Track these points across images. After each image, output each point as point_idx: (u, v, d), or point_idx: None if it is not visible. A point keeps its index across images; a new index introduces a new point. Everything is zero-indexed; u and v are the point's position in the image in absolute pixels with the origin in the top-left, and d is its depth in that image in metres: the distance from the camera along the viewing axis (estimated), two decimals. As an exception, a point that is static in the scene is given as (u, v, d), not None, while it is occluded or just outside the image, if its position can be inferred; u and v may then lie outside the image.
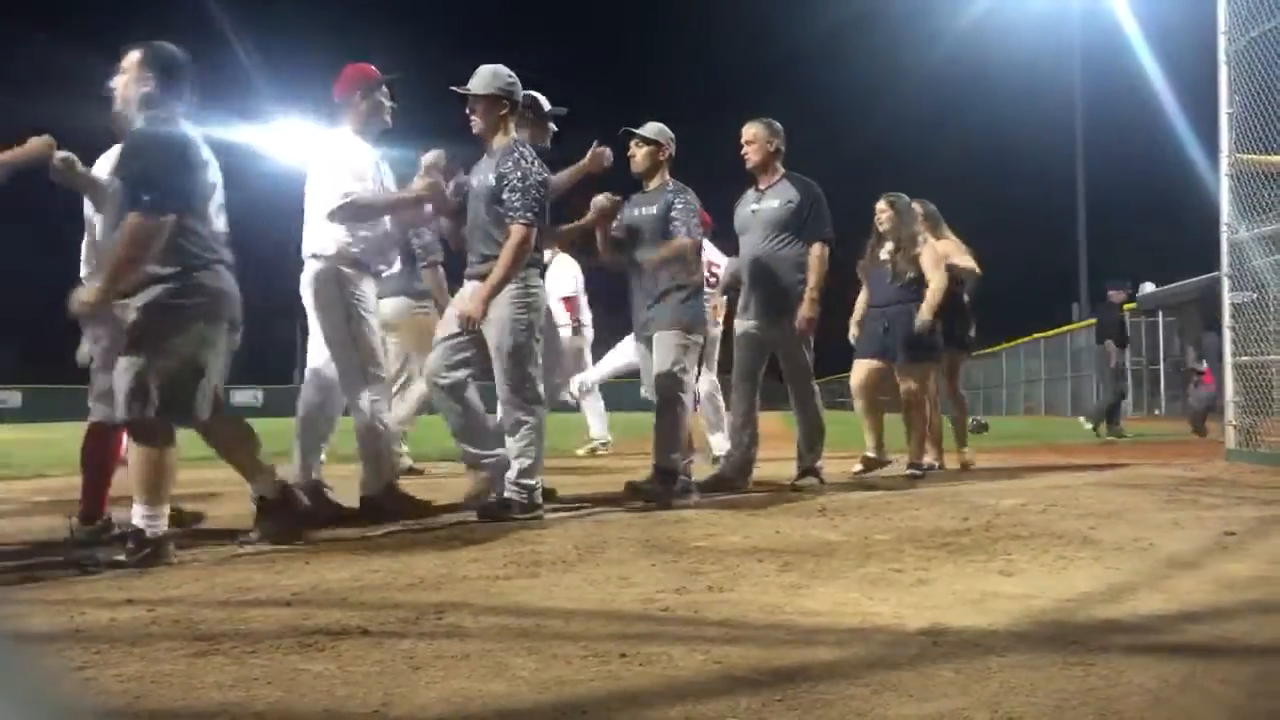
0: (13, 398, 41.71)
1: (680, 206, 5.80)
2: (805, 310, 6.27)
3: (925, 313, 7.02)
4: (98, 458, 4.71)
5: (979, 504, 5.22)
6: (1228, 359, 7.61)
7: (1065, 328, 31.00)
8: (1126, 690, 2.09)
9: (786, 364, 6.52)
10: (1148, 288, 26.11)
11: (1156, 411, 24.63)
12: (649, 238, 5.88)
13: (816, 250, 6.30)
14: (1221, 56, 7.49)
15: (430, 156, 5.94)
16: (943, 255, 7.40)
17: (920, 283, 7.14)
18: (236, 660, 2.43)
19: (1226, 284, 7.58)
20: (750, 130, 6.51)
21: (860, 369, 7.34)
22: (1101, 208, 35.38)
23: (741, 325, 6.58)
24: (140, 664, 2.41)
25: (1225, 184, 7.46)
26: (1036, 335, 32.27)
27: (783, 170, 6.53)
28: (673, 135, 6.03)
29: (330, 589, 3.33)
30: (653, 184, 5.99)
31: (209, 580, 3.52)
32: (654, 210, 5.89)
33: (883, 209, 7.32)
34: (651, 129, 5.95)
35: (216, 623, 2.84)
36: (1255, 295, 7.39)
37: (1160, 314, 25.31)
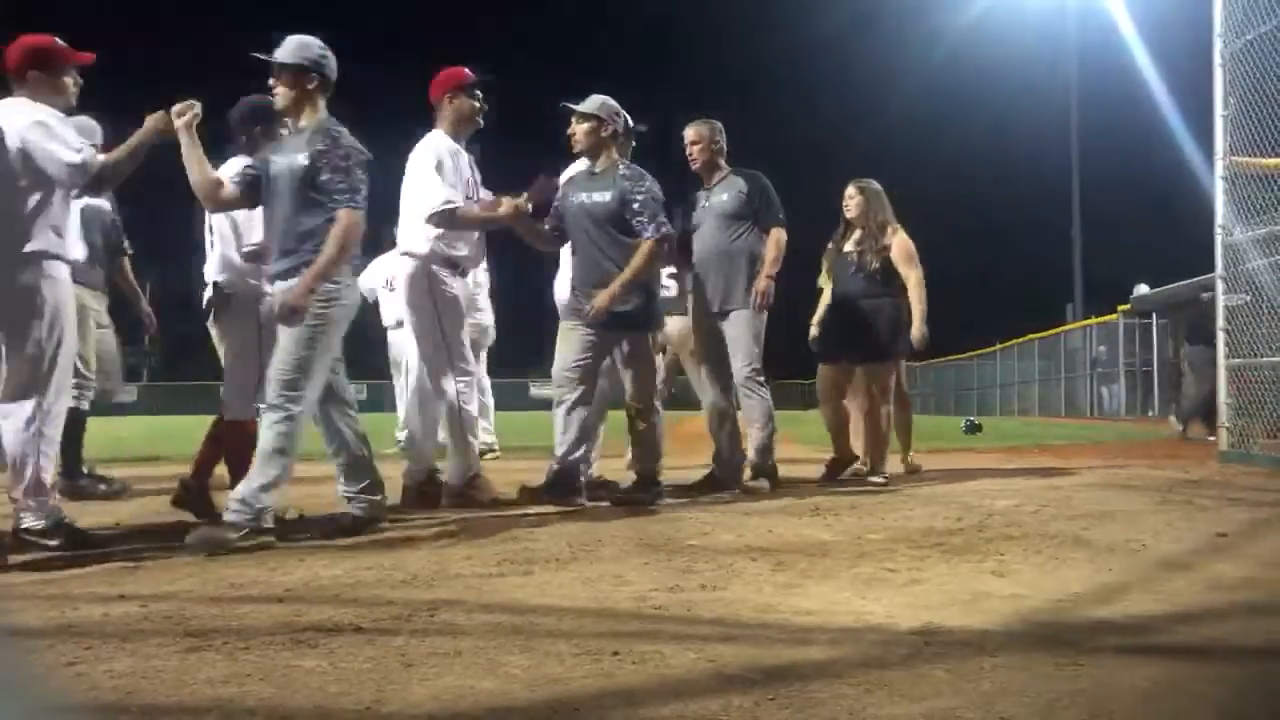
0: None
1: (641, 198, 5.49)
2: (759, 283, 6.16)
3: (918, 324, 6.67)
4: (239, 452, 4.87)
5: (972, 504, 5.22)
6: (1221, 361, 7.62)
7: (1059, 328, 31.05)
8: (1118, 690, 2.10)
9: (733, 354, 6.21)
10: (1142, 289, 26.17)
11: (1150, 413, 24.64)
12: (599, 227, 5.55)
13: (775, 233, 6.24)
14: (1217, 59, 7.51)
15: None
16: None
17: (888, 275, 6.75)
18: (229, 656, 2.42)
19: (1221, 286, 7.60)
20: (694, 131, 6.45)
21: (825, 372, 6.98)
22: (1097, 209, 35.49)
23: (702, 320, 6.43)
24: (132, 660, 2.40)
25: (1220, 186, 7.49)
26: (1031, 336, 32.31)
27: (727, 166, 6.47)
28: (618, 109, 5.67)
29: (323, 585, 3.32)
30: (600, 165, 5.63)
31: (201, 576, 3.52)
32: (606, 198, 5.54)
33: (851, 194, 6.97)
34: (592, 103, 5.58)
35: (209, 619, 2.83)
36: (1250, 298, 7.40)
37: (1154, 316, 25.31)
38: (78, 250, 4.60)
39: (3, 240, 4.17)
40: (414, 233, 5.50)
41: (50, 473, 4.22)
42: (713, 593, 3.12)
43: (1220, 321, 7.61)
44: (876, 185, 7.02)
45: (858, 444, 6.98)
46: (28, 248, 4.18)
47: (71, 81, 4.49)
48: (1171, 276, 23.21)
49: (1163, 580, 3.26)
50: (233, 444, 5.06)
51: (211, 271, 5.15)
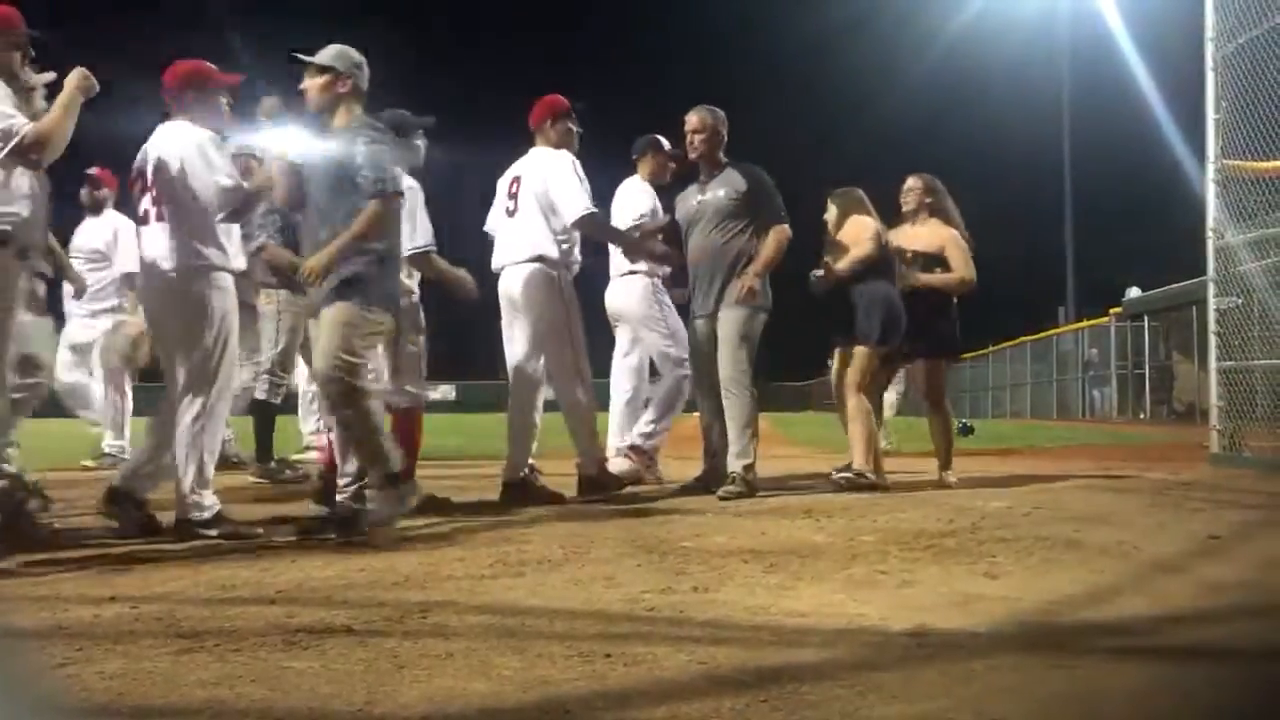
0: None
1: (368, 153, 4.54)
2: (746, 278, 5.94)
3: (837, 270, 6.23)
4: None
5: (964, 506, 5.23)
6: (1212, 364, 7.64)
7: (1051, 331, 31.10)
8: (1110, 692, 2.10)
9: (720, 353, 6.02)
10: (1133, 292, 26.24)
11: (1141, 415, 24.71)
12: (324, 189, 4.64)
13: (776, 231, 6.03)
14: (1209, 62, 7.53)
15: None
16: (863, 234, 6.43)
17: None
18: (220, 658, 2.42)
19: (1212, 289, 7.62)
20: (696, 118, 6.21)
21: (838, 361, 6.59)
22: (1088, 212, 35.49)
23: (696, 321, 6.28)
24: (123, 661, 2.39)
25: (1212, 189, 7.51)
26: (1023, 338, 32.37)
27: (726, 159, 6.26)
28: (360, 61, 4.76)
29: (315, 587, 3.32)
30: (337, 121, 4.68)
31: (193, 577, 3.51)
32: (336, 156, 4.62)
33: (829, 207, 6.60)
34: (327, 53, 4.69)
35: (200, 620, 2.83)
36: (1241, 300, 7.42)
37: (1145, 318, 25.39)
38: (240, 261, 4.84)
39: (174, 254, 4.56)
40: (542, 239, 5.85)
41: (212, 467, 4.60)
42: (705, 594, 3.12)
43: (1212, 325, 7.63)
44: (858, 193, 6.63)
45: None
46: (196, 261, 4.57)
47: (224, 101, 4.86)
48: (1163, 280, 23.32)
49: (1154, 582, 3.26)
50: (410, 431, 5.49)
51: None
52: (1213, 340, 7.65)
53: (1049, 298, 35.08)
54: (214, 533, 4.45)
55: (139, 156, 4.72)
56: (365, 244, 4.48)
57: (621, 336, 7.06)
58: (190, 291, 4.57)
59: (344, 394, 4.45)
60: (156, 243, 4.61)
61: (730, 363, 6.02)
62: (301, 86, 4.73)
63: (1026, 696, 2.07)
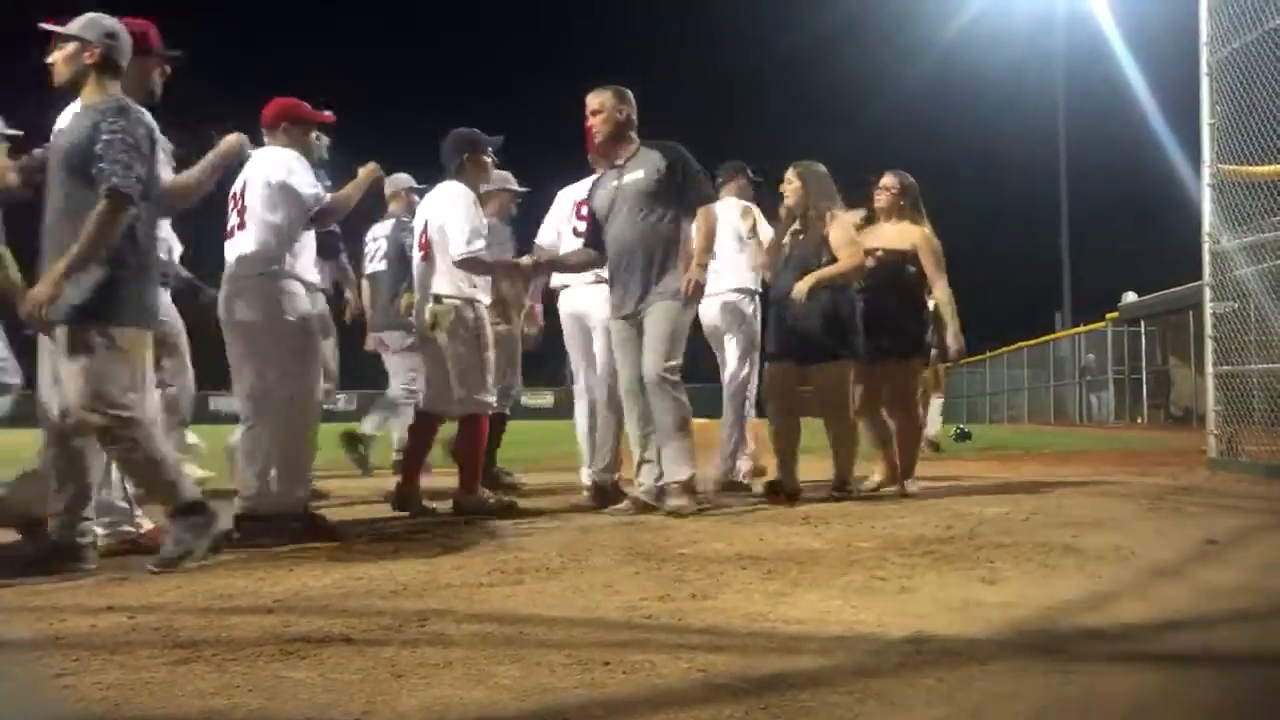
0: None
1: (109, 138, 3.89)
2: (691, 272, 5.43)
3: (804, 282, 5.85)
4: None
5: (962, 512, 5.23)
6: (1209, 369, 7.65)
7: (1048, 336, 31.14)
8: (1108, 698, 2.10)
9: (645, 349, 5.51)
10: (1130, 297, 26.28)
11: (1139, 420, 24.72)
12: (61, 182, 4.03)
13: (704, 213, 5.51)
14: (1203, 68, 7.54)
15: None
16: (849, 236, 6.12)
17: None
18: (217, 668, 2.41)
19: (1208, 294, 7.63)
20: (596, 99, 5.65)
21: (770, 373, 6.25)
22: (1084, 217, 35.56)
23: (617, 322, 5.70)
24: (120, 671, 2.39)
25: (1207, 194, 7.51)
26: (1020, 344, 32.39)
27: (638, 139, 5.71)
28: (114, 29, 4.15)
29: (312, 596, 3.31)
30: (84, 97, 4.09)
31: (190, 587, 3.50)
32: (76, 139, 3.98)
33: (790, 179, 6.20)
34: (76, 22, 4.11)
35: (197, 630, 2.82)
36: (1237, 305, 7.43)
37: (1142, 323, 25.42)
38: (312, 273, 4.99)
39: (254, 261, 4.80)
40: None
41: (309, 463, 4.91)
42: (703, 601, 3.11)
43: (1208, 329, 7.64)
44: (821, 168, 6.29)
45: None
46: (274, 268, 4.79)
47: (314, 136, 5.16)
48: (1159, 285, 23.36)
49: (1153, 587, 3.26)
50: (477, 437, 5.81)
51: (431, 283, 5.72)
52: (1209, 345, 7.65)
53: (1046, 303, 35.17)
54: (296, 525, 4.70)
55: (236, 180, 4.96)
56: (94, 256, 3.84)
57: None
58: (269, 298, 4.78)
59: (106, 431, 3.90)
60: (237, 251, 4.88)
61: (657, 359, 5.44)
62: (48, 60, 4.16)
63: (1025, 702, 2.07)
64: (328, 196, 4.98)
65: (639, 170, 5.58)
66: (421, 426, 5.92)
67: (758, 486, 6.54)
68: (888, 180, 6.46)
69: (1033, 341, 31.80)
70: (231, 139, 4.64)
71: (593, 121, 5.66)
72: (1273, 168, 6.87)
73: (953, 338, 6.40)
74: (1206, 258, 7.58)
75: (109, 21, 4.15)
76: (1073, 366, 28.91)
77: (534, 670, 2.35)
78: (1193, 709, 2.08)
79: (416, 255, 5.94)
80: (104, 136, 3.89)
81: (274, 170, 4.84)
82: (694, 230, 5.54)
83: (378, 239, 7.96)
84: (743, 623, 2.82)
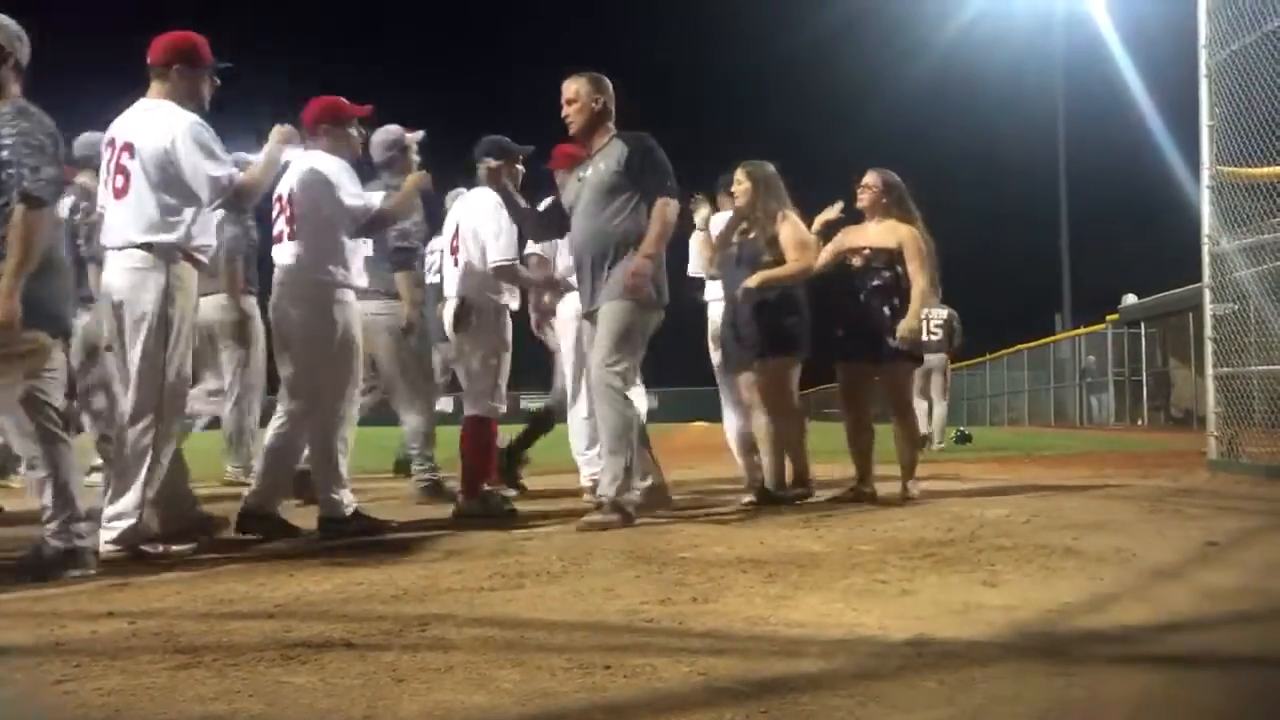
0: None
1: (12, 140, 3.74)
2: (634, 263, 5.09)
3: (752, 280, 5.83)
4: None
5: (963, 515, 5.23)
6: (1209, 370, 7.65)
7: (1048, 338, 31.14)
8: (1110, 700, 2.10)
9: (595, 347, 5.29)
10: (1130, 299, 26.29)
11: (1139, 422, 24.72)
12: None
13: (661, 204, 5.18)
14: (1202, 70, 7.55)
15: None
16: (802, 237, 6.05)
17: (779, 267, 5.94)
18: (218, 673, 2.41)
19: (1208, 295, 7.63)
20: (571, 87, 5.36)
21: (742, 384, 6.22)
22: (1084, 220, 35.58)
23: (584, 321, 5.55)
24: (121, 677, 2.39)
25: (1206, 196, 7.51)
26: (1020, 346, 32.39)
27: (613, 130, 5.41)
28: (19, 34, 3.98)
29: (313, 601, 3.31)
30: None
31: (190, 592, 3.50)
32: None
33: (739, 179, 6.09)
34: None
35: (198, 635, 2.82)
36: (1236, 306, 7.43)
37: (1142, 325, 25.43)
38: (362, 280, 5.19)
39: (303, 270, 4.94)
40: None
41: (345, 467, 4.96)
42: (704, 605, 3.11)
43: (1208, 331, 7.64)
44: (771, 168, 6.17)
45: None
46: (323, 277, 4.93)
47: (355, 133, 5.24)
48: (1159, 286, 23.37)
49: (1154, 589, 3.26)
50: (483, 439, 5.89)
51: (457, 286, 5.90)
52: (1209, 346, 7.64)
53: (1046, 305, 35.17)
54: (351, 526, 4.91)
55: (281, 182, 5.02)
56: (32, 262, 3.73)
57: None
58: (316, 305, 4.91)
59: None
60: (286, 258, 5.00)
61: (602, 359, 5.16)
62: None
63: (1026, 705, 2.07)
64: (375, 205, 5.11)
65: (604, 162, 5.31)
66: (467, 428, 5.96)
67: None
68: (869, 178, 6.31)
69: (1033, 343, 31.79)
70: (283, 130, 4.70)
71: (567, 110, 5.39)
72: (1271, 169, 6.87)
73: (906, 320, 6.00)
74: (1206, 259, 7.58)
75: (14, 25, 4.00)
76: (1073, 368, 28.92)
77: (535, 674, 2.35)
78: (1195, 711, 2.08)
79: (447, 258, 6.08)
80: (7, 141, 3.76)
81: (319, 181, 4.95)
82: (651, 219, 5.20)
83: (434, 251, 7.91)
84: (744, 626, 2.82)
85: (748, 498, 6.01)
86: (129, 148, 4.35)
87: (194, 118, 4.41)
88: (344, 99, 5.21)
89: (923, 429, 14.03)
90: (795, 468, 6.16)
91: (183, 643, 2.73)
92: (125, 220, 4.36)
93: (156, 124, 4.35)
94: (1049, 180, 33.67)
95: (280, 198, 5.06)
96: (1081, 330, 28.94)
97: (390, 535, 4.97)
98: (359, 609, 3.16)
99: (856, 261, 6.12)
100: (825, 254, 6.20)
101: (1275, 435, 7.16)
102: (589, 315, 5.37)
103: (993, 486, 7.09)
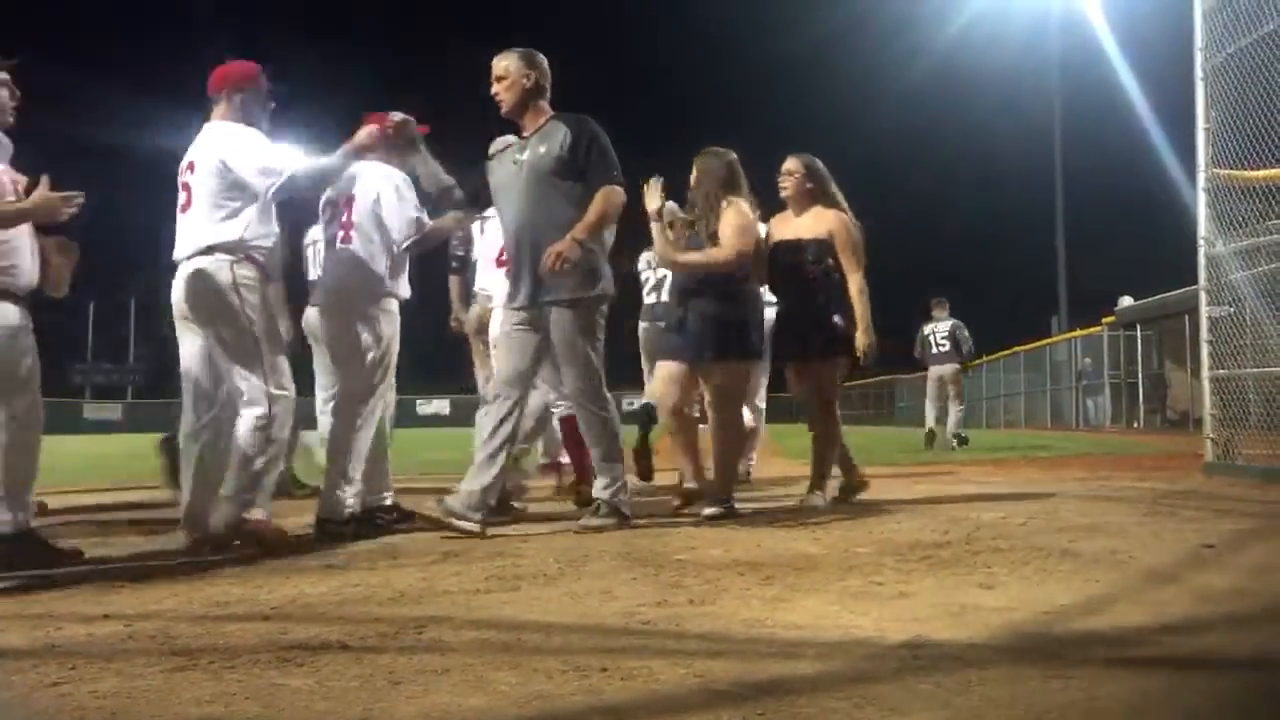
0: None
1: None
2: (561, 243, 4.81)
3: (683, 256, 5.56)
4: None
5: (959, 517, 5.23)
6: (1205, 372, 7.66)
7: (1044, 341, 31.17)
8: (1106, 703, 2.10)
9: (563, 360, 5.09)
10: (1126, 302, 26.34)
11: (1135, 424, 24.75)
12: None
13: (605, 191, 4.94)
14: (1198, 72, 7.56)
15: None
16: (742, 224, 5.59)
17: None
18: (214, 676, 2.41)
19: (1204, 298, 7.64)
20: (500, 63, 5.04)
21: (660, 374, 5.76)
22: (1080, 222, 35.68)
23: (510, 313, 5.20)
24: (117, 680, 2.39)
25: (1202, 198, 7.52)
26: (1016, 348, 32.43)
27: (550, 111, 5.13)
28: None
29: (310, 603, 3.31)
30: None
31: (187, 595, 3.50)
32: None
33: (695, 167, 5.75)
34: None
35: (194, 637, 2.82)
36: (1232, 309, 7.44)
37: (1138, 327, 25.47)
38: (406, 289, 5.35)
39: (355, 277, 5.12)
40: None
41: (359, 470, 5.07)
42: (701, 607, 3.11)
43: (1204, 333, 7.65)
44: (728, 156, 5.73)
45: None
46: (374, 285, 5.12)
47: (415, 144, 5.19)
48: (1155, 289, 23.41)
49: (1150, 592, 3.26)
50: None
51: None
52: (1205, 349, 7.66)
53: (1042, 307, 35.24)
54: (393, 518, 5.19)
55: (335, 188, 5.17)
56: None
57: None
58: (365, 312, 5.10)
59: None
60: (338, 264, 5.18)
61: (577, 373, 5.04)
62: None
63: (1023, 707, 2.07)
64: (428, 223, 5.31)
65: (543, 145, 5.01)
66: (566, 427, 6.16)
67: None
68: (791, 164, 5.99)
69: (1029, 346, 31.86)
70: (370, 129, 4.85)
71: (497, 89, 5.07)
72: (1267, 172, 6.89)
73: (862, 333, 5.74)
74: (1202, 262, 7.60)
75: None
76: (1069, 371, 28.97)
77: (532, 677, 2.35)
78: (1191, 713, 2.08)
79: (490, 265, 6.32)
80: None
81: (387, 190, 5.15)
82: (593, 204, 4.96)
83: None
84: (741, 628, 2.82)
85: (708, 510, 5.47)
86: (191, 166, 4.71)
87: (244, 128, 4.71)
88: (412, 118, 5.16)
89: (949, 435, 14.47)
90: (714, 476, 5.76)
91: (179, 645, 2.72)
92: (190, 230, 4.68)
93: (213, 139, 4.72)
94: (1045, 182, 33.80)
95: (333, 203, 5.24)
96: (1078, 332, 28.99)
97: (406, 531, 5.07)
98: (355, 611, 3.16)
99: (789, 255, 5.82)
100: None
101: (1271, 438, 7.16)
102: (521, 309, 5.09)
103: (989, 489, 7.10)
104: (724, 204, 5.55)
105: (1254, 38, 6.97)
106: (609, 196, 4.95)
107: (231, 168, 4.59)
